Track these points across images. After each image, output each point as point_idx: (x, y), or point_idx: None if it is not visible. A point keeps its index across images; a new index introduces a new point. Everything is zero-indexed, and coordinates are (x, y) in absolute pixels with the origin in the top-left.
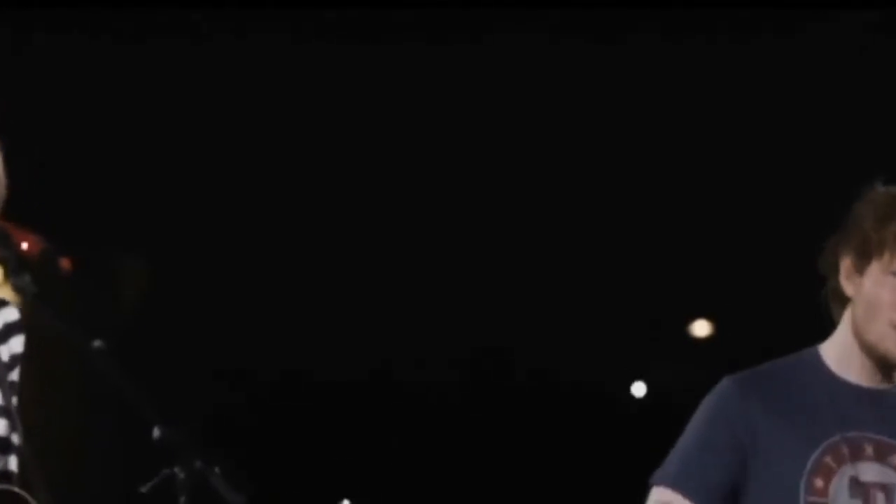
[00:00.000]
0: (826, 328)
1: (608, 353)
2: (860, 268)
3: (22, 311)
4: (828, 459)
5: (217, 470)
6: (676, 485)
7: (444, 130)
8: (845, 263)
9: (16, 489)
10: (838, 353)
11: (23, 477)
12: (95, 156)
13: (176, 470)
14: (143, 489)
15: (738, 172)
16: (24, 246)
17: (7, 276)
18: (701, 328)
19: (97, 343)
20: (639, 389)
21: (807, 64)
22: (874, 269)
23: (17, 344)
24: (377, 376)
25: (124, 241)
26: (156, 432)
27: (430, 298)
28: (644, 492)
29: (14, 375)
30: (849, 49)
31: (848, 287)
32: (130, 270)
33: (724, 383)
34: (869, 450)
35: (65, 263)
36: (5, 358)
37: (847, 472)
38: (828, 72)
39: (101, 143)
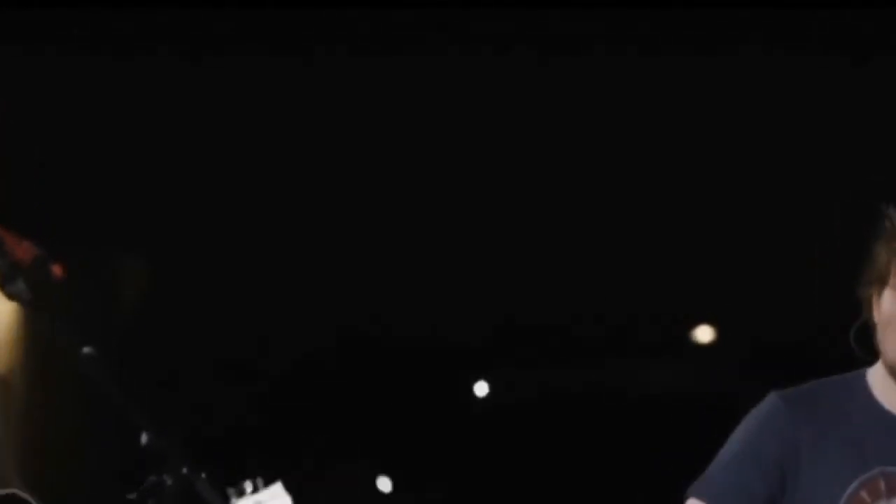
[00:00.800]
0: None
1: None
2: (880, 294)
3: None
4: (863, 494)
5: (203, 476)
6: (713, 499)
7: (447, 134)
8: (872, 296)
9: (17, 491)
10: (881, 382)
11: None
12: (95, 157)
13: (164, 476)
14: (131, 496)
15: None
16: (17, 252)
17: (1, 282)
18: (703, 333)
19: (87, 349)
20: (481, 389)
21: (812, 65)
22: (888, 290)
23: None
24: (373, 375)
25: (124, 241)
26: (143, 438)
27: (434, 314)
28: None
29: None
30: (851, 50)
31: (877, 317)
32: (130, 270)
33: (772, 399)
34: None
35: (57, 270)
36: None
37: None
38: (833, 74)
39: (102, 145)
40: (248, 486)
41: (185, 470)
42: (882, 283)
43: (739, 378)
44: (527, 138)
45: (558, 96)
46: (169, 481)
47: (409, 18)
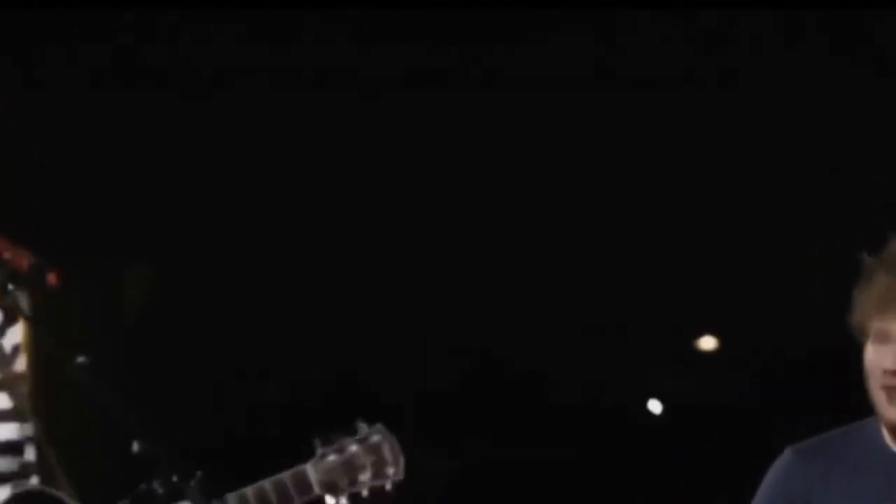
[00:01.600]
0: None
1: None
2: (864, 345)
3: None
4: None
5: (193, 484)
6: None
7: (452, 155)
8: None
9: (47, 489)
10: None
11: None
12: (100, 163)
13: (154, 484)
14: (122, 503)
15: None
16: (14, 260)
17: None
18: (707, 343)
19: (81, 359)
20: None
21: (817, 83)
22: (868, 344)
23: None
24: (375, 378)
25: (124, 248)
26: (135, 446)
27: (433, 316)
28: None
29: (19, 366)
30: (851, 55)
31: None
32: (134, 276)
33: (787, 454)
34: None
35: (52, 278)
36: (7, 350)
37: None
38: (840, 90)
39: (106, 151)
40: (363, 426)
41: (175, 478)
42: (863, 335)
43: (741, 387)
44: (531, 155)
45: (564, 109)
46: (160, 489)
47: (409, 19)
